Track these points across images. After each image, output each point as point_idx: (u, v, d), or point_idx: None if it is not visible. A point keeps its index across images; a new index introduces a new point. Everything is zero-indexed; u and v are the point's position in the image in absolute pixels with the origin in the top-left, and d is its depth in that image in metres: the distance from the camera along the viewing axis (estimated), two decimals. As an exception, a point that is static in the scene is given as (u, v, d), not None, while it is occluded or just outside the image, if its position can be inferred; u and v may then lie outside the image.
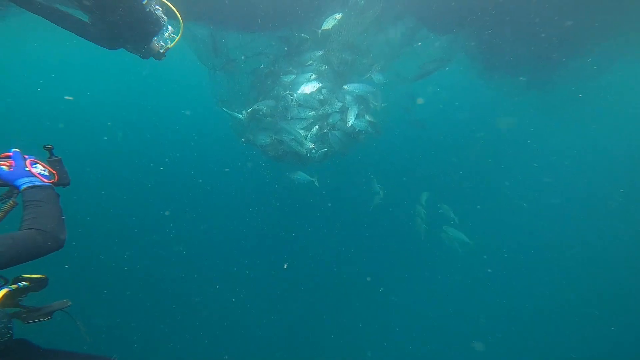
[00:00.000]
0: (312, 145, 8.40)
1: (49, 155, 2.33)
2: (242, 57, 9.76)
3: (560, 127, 18.45)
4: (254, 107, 9.06)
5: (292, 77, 8.63)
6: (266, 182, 15.31)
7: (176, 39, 5.39)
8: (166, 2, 5.01)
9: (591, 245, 18.72)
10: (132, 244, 15.12)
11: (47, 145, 2.31)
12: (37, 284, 2.06)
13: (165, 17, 5.15)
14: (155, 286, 13.81)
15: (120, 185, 18.31)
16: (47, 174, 2.20)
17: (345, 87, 8.50)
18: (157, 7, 4.94)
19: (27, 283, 2.00)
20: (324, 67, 8.88)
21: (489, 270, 16.17)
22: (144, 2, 4.49)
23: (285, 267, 14.38)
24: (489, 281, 16.40)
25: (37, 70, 21.29)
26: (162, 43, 5.40)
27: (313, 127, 8.63)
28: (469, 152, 18.63)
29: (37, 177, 2.11)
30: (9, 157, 2.15)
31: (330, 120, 8.83)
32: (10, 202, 2.12)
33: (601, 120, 18.20)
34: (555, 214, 19.87)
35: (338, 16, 8.65)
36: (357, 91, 8.60)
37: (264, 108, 8.83)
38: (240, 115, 9.01)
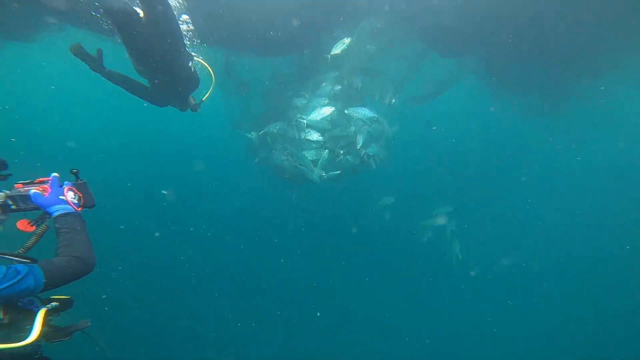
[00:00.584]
0: (323, 174, 8.44)
1: (75, 179, 2.41)
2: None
3: (571, 146, 18.41)
4: (265, 129, 9.22)
5: (305, 99, 8.71)
6: (278, 200, 15.39)
7: (208, 93, 5.84)
8: (203, 62, 5.58)
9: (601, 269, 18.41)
10: (144, 264, 15.25)
11: (73, 169, 2.40)
12: (64, 305, 2.15)
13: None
14: (166, 311, 13.84)
15: (133, 205, 18.54)
16: (77, 201, 2.30)
17: (346, 111, 8.57)
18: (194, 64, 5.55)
19: (57, 303, 2.09)
20: (338, 87, 8.96)
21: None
22: (190, 65, 5.06)
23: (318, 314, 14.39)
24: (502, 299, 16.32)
25: (58, 88, 22.00)
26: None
27: (324, 151, 8.68)
28: (479, 172, 18.61)
29: (70, 204, 2.21)
30: (44, 182, 2.25)
31: (342, 143, 8.88)
32: (43, 226, 2.23)
33: (610, 139, 18.23)
34: (564, 234, 19.69)
35: (347, 40, 8.77)
36: (357, 115, 8.70)
37: (275, 130, 8.95)
38: (251, 136, 9.15)
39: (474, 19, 9.03)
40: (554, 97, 12.95)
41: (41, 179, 2.28)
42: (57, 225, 2.10)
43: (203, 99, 5.84)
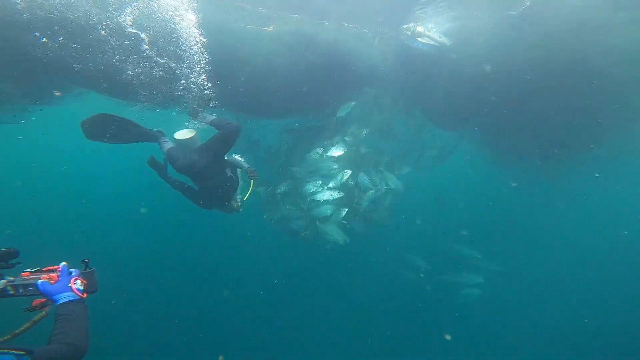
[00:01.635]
0: (343, 241, 8.46)
1: (84, 268, 2.49)
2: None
3: (572, 214, 18.56)
4: (275, 188, 9.38)
5: (317, 155, 8.91)
6: (286, 257, 15.20)
7: (247, 194, 6.27)
8: (243, 162, 6.29)
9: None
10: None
11: (85, 259, 2.50)
12: None
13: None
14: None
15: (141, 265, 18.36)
16: (82, 288, 2.34)
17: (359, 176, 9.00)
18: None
19: None
20: (346, 150, 9.29)
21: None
22: (229, 175, 5.86)
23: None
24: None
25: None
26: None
27: (337, 210, 8.70)
28: (484, 239, 18.48)
29: (75, 292, 2.26)
30: (52, 271, 2.31)
31: (354, 204, 9.02)
32: (43, 312, 2.23)
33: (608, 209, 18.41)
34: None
35: (352, 104, 9.32)
36: (360, 182, 9.13)
37: (285, 188, 9.08)
38: (260, 192, 9.23)
39: (466, 100, 9.61)
40: (549, 165, 13.31)
41: (49, 267, 2.35)
42: (59, 312, 2.13)
43: (244, 199, 6.29)
